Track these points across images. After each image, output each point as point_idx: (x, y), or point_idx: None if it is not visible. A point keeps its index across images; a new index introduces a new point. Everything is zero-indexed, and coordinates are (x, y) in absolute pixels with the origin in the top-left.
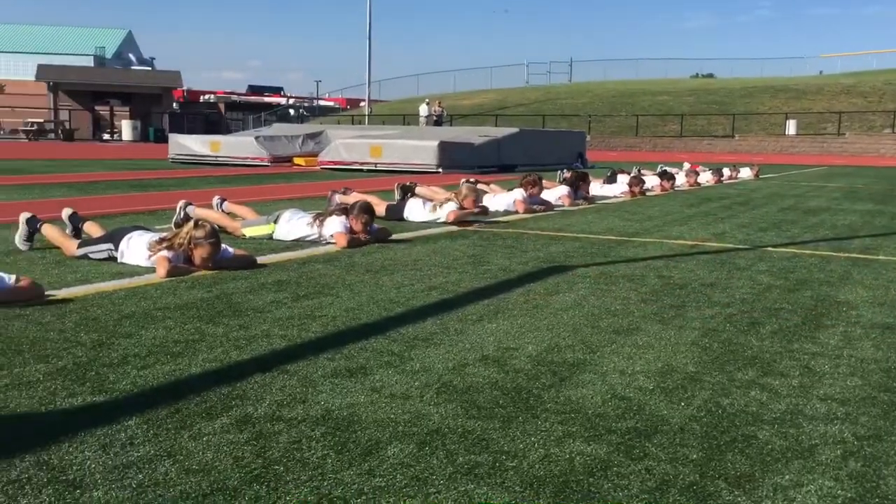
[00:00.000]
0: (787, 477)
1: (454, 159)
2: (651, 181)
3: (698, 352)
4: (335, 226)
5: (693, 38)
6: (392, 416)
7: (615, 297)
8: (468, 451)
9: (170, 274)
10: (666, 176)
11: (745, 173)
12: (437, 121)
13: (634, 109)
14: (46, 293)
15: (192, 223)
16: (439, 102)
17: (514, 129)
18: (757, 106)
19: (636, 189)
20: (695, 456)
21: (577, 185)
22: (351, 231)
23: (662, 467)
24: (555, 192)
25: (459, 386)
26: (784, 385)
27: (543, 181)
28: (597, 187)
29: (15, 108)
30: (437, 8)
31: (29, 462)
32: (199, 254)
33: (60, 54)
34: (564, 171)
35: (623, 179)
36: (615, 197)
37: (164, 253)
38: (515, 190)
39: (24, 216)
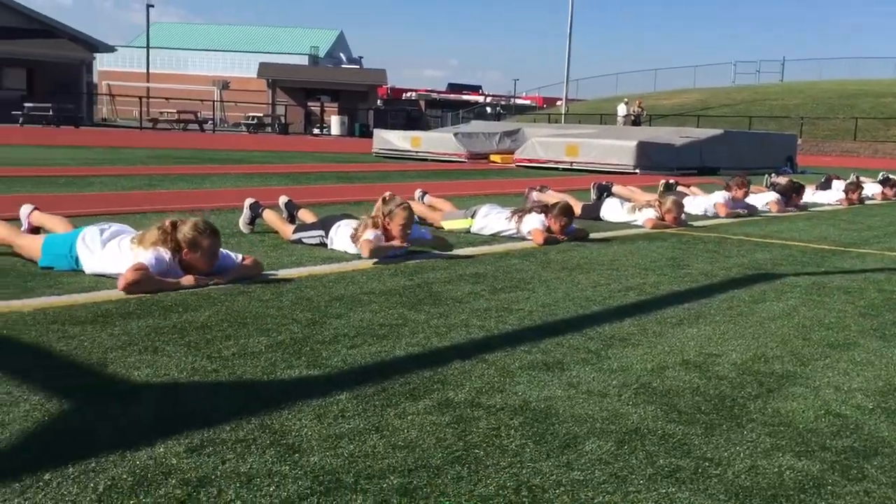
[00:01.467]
0: None
1: (653, 160)
2: (871, 188)
3: None
4: (533, 222)
5: None
6: (589, 412)
7: (829, 310)
8: (669, 454)
9: (373, 254)
10: (889, 183)
11: None
12: (636, 121)
13: (853, 112)
14: (266, 273)
15: (380, 200)
16: (639, 102)
17: (719, 131)
18: None
19: (854, 196)
20: None
21: (790, 195)
22: (548, 230)
23: (883, 491)
24: (762, 198)
25: (659, 388)
26: None
27: (751, 185)
28: (808, 194)
29: (238, 102)
30: (639, 4)
31: (254, 424)
32: (396, 222)
33: (279, 53)
34: (772, 175)
35: (838, 186)
36: (829, 204)
37: (367, 235)
38: (717, 192)
39: (248, 201)
